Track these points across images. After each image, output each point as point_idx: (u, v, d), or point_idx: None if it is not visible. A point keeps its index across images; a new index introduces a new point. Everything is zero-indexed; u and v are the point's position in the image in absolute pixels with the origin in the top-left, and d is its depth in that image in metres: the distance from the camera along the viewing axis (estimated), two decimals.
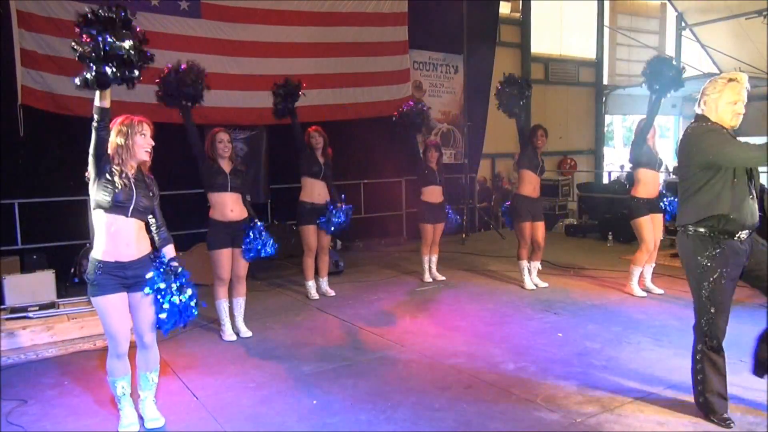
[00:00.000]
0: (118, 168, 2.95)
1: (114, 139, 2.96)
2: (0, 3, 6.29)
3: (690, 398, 3.26)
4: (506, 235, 9.52)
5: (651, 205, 5.58)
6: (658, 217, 5.69)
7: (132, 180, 3.00)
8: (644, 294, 5.71)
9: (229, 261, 4.62)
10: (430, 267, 6.67)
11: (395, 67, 9.27)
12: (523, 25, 11.84)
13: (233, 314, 4.81)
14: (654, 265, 5.90)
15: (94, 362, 4.18)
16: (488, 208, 10.97)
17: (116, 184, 2.92)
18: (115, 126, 2.98)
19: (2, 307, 5.04)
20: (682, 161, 3.13)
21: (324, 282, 6.08)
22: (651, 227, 5.59)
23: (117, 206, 2.95)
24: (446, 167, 9.97)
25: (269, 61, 8.06)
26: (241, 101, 7.88)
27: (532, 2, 11.84)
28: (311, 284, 5.94)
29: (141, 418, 3.24)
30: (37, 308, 4.90)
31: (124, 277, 3.00)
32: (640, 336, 4.52)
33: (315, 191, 5.66)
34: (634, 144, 5.58)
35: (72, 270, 6.55)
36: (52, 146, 6.61)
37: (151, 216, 3.17)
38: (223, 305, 4.72)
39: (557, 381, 3.69)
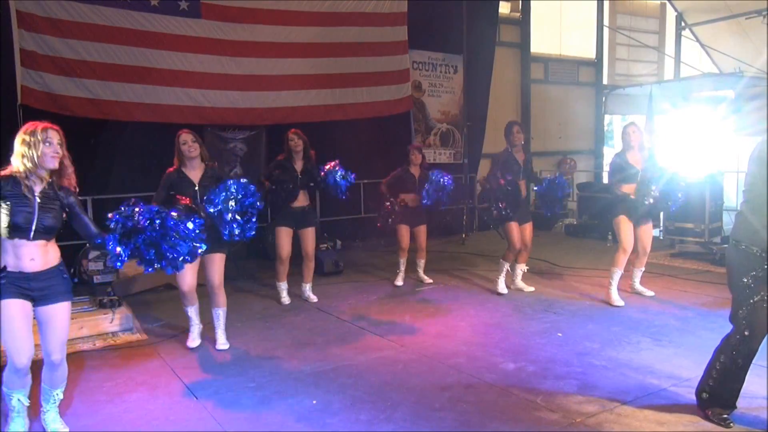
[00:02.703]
0: (22, 182, 2.77)
1: (18, 150, 2.79)
2: (0, 3, 6.29)
3: (690, 397, 3.26)
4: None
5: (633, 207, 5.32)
6: (647, 223, 5.48)
7: (36, 197, 2.81)
8: (623, 303, 5.35)
9: (192, 271, 4.24)
10: (416, 270, 6.53)
11: (395, 67, 9.27)
12: (523, 24, 11.83)
13: (213, 325, 4.54)
14: (643, 269, 5.73)
15: (93, 362, 4.18)
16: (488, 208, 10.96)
17: (14, 205, 2.74)
18: (18, 136, 2.82)
19: None
20: (755, 171, 2.92)
21: (307, 288, 5.81)
22: (630, 227, 5.37)
23: (16, 229, 2.75)
24: (446, 167, 9.91)
25: (269, 61, 8.07)
26: (241, 101, 7.88)
27: (531, 2, 11.82)
28: (283, 285, 5.65)
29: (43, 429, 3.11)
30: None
31: (28, 288, 2.82)
32: (640, 336, 4.52)
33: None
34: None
35: (72, 270, 6.55)
36: None
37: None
38: (190, 311, 4.46)
39: (557, 381, 3.69)
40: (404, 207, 6.15)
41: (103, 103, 6.91)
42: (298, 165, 5.40)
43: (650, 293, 5.71)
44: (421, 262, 6.55)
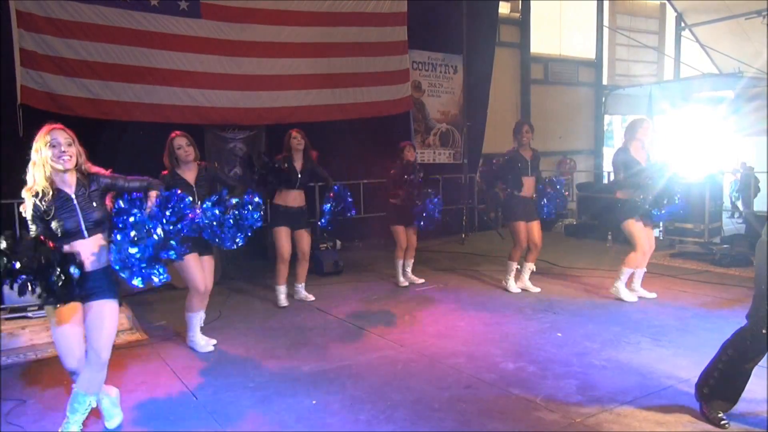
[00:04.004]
0: (46, 193, 2.75)
1: (33, 159, 2.79)
2: (0, 3, 6.29)
3: (690, 398, 3.26)
4: (506, 235, 9.52)
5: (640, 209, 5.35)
6: (650, 223, 5.51)
7: (74, 199, 2.80)
8: (636, 299, 5.48)
9: (199, 268, 4.23)
10: (405, 270, 6.50)
11: (395, 67, 9.27)
12: (523, 24, 11.84)
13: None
14: (645, 270, 5.71)
15: None
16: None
17: (54, 215, 2.73)
18: (33, 149, 2.80)
19: (2, 307, 5.04)
20: None
21: (301, 287, 5.86)
22: (641, 227, 5.40)
23: (69, 235, 2.76)
24: (445, 167, 9.91)
25: (269, 61, 8.06)
26: (241, 101, 7.88)
27: (531, 2, 11.83)
28: (282, 289, 5.60)
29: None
30: (36, 308, 4.90)
31: (82, 288, 2.76)
32: (639, 336, 4.52)
33: (290, 197, 5.42)
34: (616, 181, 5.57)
35: None
36: None
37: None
38: (195, 318, 4.41)
39: (557, 381, 3.70)
40: (400, 207, 6.17)
41: (103, 103, 6.91)
42: (298, 164, 5.42)
43: (652, 295, 5.67)
44: (411, 262, 6.55)
